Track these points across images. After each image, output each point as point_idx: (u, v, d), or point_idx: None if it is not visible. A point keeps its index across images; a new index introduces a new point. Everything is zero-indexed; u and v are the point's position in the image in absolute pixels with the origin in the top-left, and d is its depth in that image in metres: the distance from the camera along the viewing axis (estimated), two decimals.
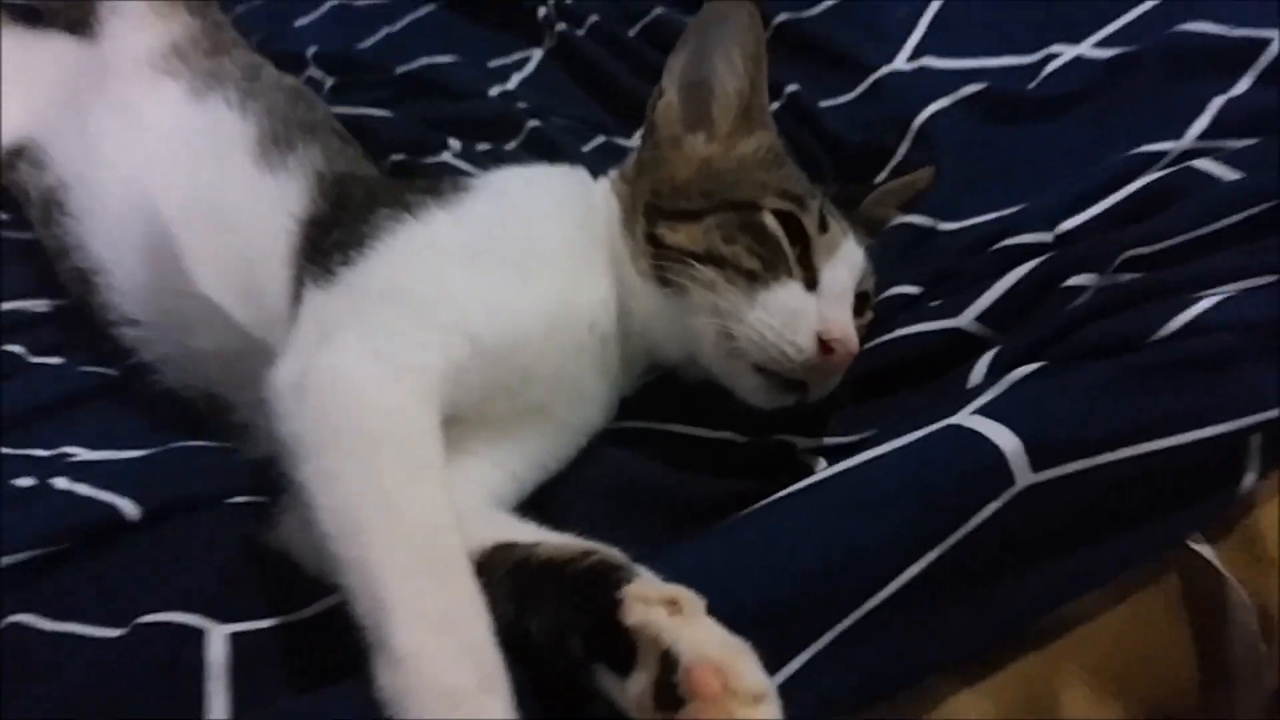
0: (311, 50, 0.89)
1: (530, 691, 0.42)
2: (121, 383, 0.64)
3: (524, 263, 0.55)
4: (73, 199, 0.70)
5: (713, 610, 0.42)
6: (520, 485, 0.55)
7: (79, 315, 0.69)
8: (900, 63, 0.80)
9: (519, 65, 0.87)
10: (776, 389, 0.54)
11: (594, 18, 0.87)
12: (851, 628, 0.46)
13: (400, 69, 0.87)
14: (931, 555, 0.47)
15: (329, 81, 0.84)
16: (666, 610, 0.40)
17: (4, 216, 0.78)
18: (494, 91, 0.84)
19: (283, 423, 0.48)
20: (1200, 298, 0.56)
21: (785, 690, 0.43)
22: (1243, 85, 0.69)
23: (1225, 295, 0.56)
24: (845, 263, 0.56)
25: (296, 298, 0.54)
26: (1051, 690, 0.59)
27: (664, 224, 0.56)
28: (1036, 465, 0.49)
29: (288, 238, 0.58)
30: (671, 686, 0.39)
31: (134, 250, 0.64)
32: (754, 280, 0.54)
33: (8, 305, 0.69)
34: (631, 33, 0.87)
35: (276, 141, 0.65)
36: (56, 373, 0.65)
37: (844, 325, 0.53)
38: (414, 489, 0.45)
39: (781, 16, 0.80)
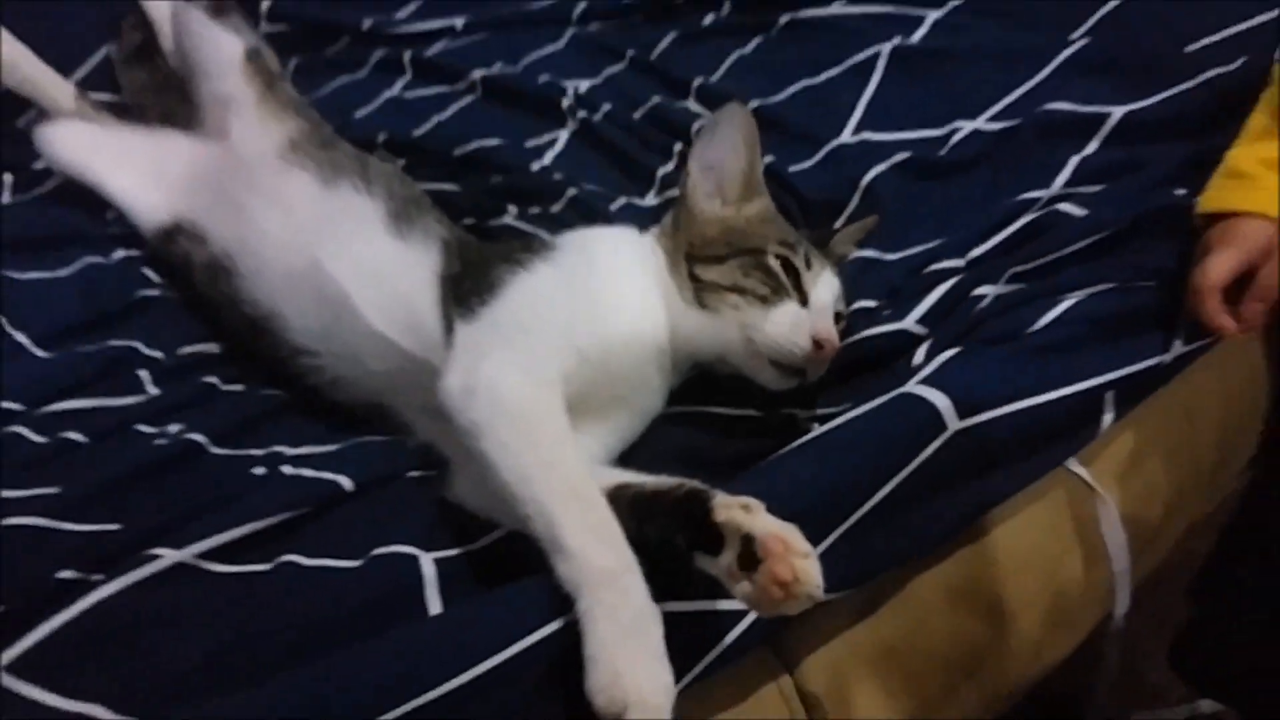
0: (381, 137, 1.08)
1: (648, 576, 0.64)
2: (295, 401, 0.83)
3: (605, 297, 0.77)
4: (241, 264, 0.87)
5: None
6: (609, 453, 0.75)
7: (245, 353, 0.87)
8: (846, 136, 1.02)
9: (550, 144, 1.07)
10: (785, 375, 0.76)
11: (607, 105, 1.08)
12: (849, 530, 0.66)
13: (457, 151, 1.06)
14: (896, 479, 0.68)
15: (400, 163, 1.03)
16: (741, 510, 0.62)
17: (160, 280, 0.96)
18: (535, 166, 1.04)
19: (460, 415, 0.68)
20: (1063, 299, 0.78)
21: None
22: (1092, 147, 0.92)
23: (1079, 298, 0.78)
24: (826, 287, 0.79)
25: (448, 329, 0.75)
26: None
27: (699, 266, 0.78)
28: (961, 415, 0.70)
29: (433, 288, 0.78)
30: (750, 555, 0.58)
31: (308, 300, 0.82)
32: (766, 302, 0.76)
33: (191, 349, 0.89)
34: (636, 116, 1.08)
35: (399, 216, 0.85)
36: (245, 396, 0.84)
37: (829, 330, 0.75)
38: (560, 450, 0.66)
39: (755, 103, 1.03)
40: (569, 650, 0.58)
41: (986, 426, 0.70)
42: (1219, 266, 0.77)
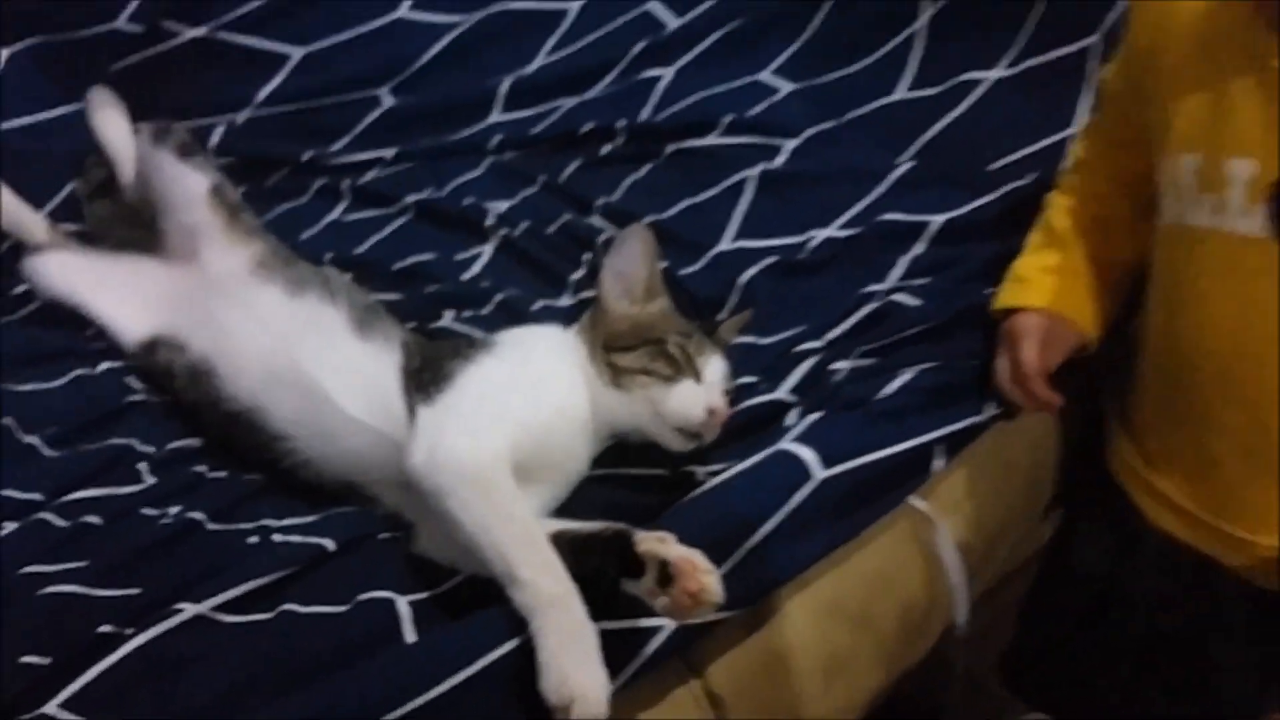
0: (328, 256, 1.21)
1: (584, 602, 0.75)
2: (273, 483, 0.95)
3: (538, 383, 0.93)
4: (220, 368, 0.99)
5: None
6: (546, 508, 0.89)
7: (226, 444, 0.99)
8: (725, 244, 1.19)
9: (477, 257, 1.22)
10: (686, 439, 0.92)
11: (524, 223, 1.24)
12: (741, 559, 0.81)
13: (395, 265, 1.21)
14: (777, 517, 0.84)
15: (348, 277, 1.17)
16: (657, 541, 0.77)
17: (142, 387, 1.08)
18: (465, 276, 1.19)
19: (426, 481, 0.82)
20: (901, 373, 0.97)
21: None
22: (919, 249, 1.12)
23: (914, 373, 0.97)
24: (715, 368, 0.96)
25: (411, 413, 0.89)
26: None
27: (614, 354, 0.94)
28: (825, 466, 0.87)
29: (397, 380, 0.93)
30: (666, 576, 0.73)
31: (287, 394, 0.95)
32: (669, 381, 0.92)
33: (177, 444, 1.00)
34: (550, 231, 1.24)
35: (362, 321, 0.99)
36: (230, 481, 0.95)
37: (719, 402, 0.92)
38: (511, 504, 0.80)
39: (649, 218, 1.20)
40: (524, 663, 0.72)
41: (845, 474, 0.88)
42: (1030, 354, 0.93)
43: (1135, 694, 1.06)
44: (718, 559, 0.78)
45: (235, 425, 0.99)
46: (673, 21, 1.47)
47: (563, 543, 0.79)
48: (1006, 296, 0.99)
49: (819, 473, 0.87)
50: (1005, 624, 1.17)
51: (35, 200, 1.25)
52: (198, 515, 0.89)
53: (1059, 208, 1.03)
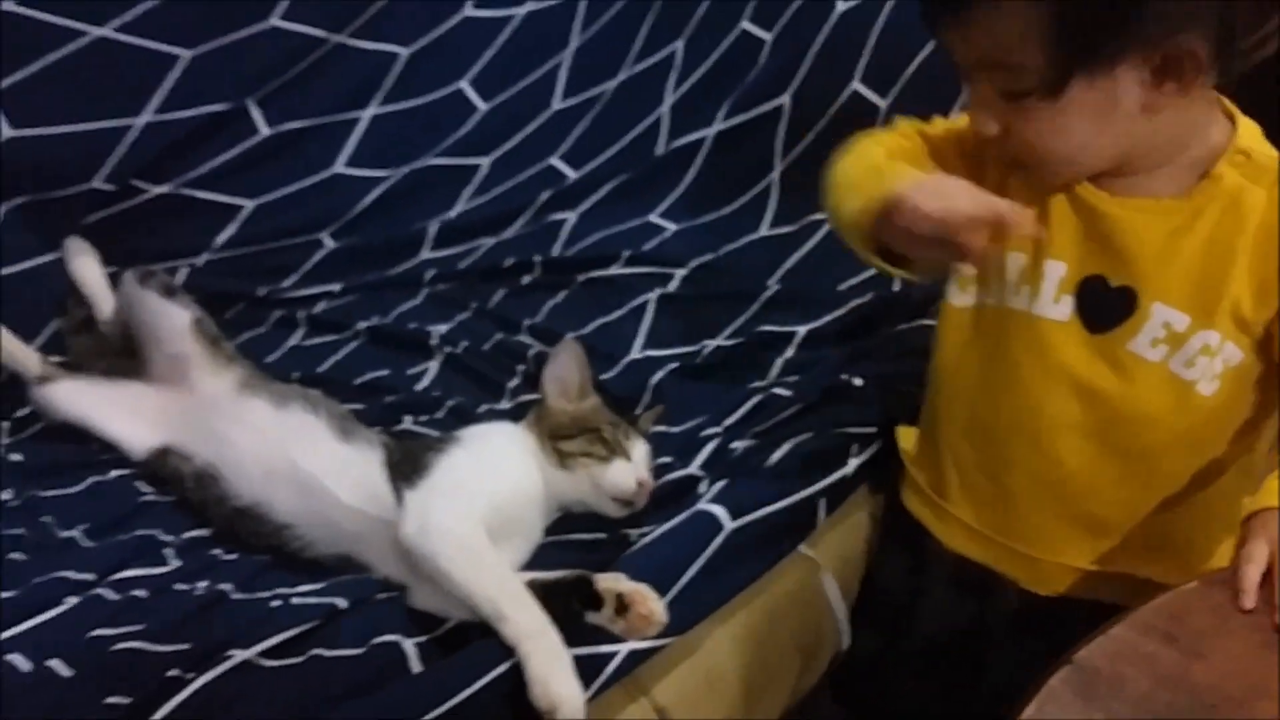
0: (295, 375, 1.37)
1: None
2: (279, 562, 1.10)
3: (499, 468, 1.12)
4: (225, 472, 1.14)
5: None
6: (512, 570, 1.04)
7: (233, 534, 1.14)
8: (635, 353, 1.41)
9: (425, 372, 1.39)
10: (621, 506, 1.11)
11: (464, 342, 1.43)
12: (674, 596, 0.97)
13: (355, 381, 1.38)
14: (700, 562, 1.01)
15: (318, 392, 1.30)
16: (612, 580, 0.97)
17: (151, 490, 1.23)
18: (417, 388, 1.37)
19: (419, 549, 0.98)
20: (784, 445, 1.17)
21: None
22: (790, 353, 1.38)
23: (794, 443, 1.17)
24: (640, 449, 1.16)
25: (398, 497, 1.07)
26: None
27: (559, 441, 1.14)
28: (733, 518, 1.05)
29: (383, 473, 1.10)
30: (622, 605, 0.92)
31: (288, 490, 1.10)
32: (604, 460, 1.12)
33: (192, 534, 1.15)
34: (485, 348, 1.43)
35: (343, 428, 1.17)
36: (240, 562, 1.10)
37: (647, 475, 1.11)
38: (492, 561, 0.99)
39: (571, 334, 1.40)
40: (510, 685, 0.89)
41: (749, 524, 1.07)
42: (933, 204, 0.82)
43: (926, 696, 1.18)
44: (661, 589, 0.97)
45: (242, 518, 1.14)
46: (572, 174, 1.74)
47: (535, 588, 0.96)
48: (874, 190, 0.88)
49: (729, 524, 1.06)
50: None
51: (24, 337, 1.39)
52: (225, 587, 1.05)
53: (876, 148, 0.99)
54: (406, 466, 1.11)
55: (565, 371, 1.20)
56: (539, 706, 0.89)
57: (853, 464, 1.18)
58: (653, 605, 0.95)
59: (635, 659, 0.96)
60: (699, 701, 1.04)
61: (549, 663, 0.91)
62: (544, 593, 0.96)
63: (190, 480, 1.19)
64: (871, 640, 1.21)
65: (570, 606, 0.96)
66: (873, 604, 1.22)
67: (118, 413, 1.28)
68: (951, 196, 0.82)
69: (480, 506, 1.04)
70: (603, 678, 0.94)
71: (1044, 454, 0.99)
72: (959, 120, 1.03)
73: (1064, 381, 0.96)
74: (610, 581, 0.97)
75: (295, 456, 1.14)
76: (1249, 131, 0.91)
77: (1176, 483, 0.98)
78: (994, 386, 1.02)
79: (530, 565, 1.08)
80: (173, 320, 1.30)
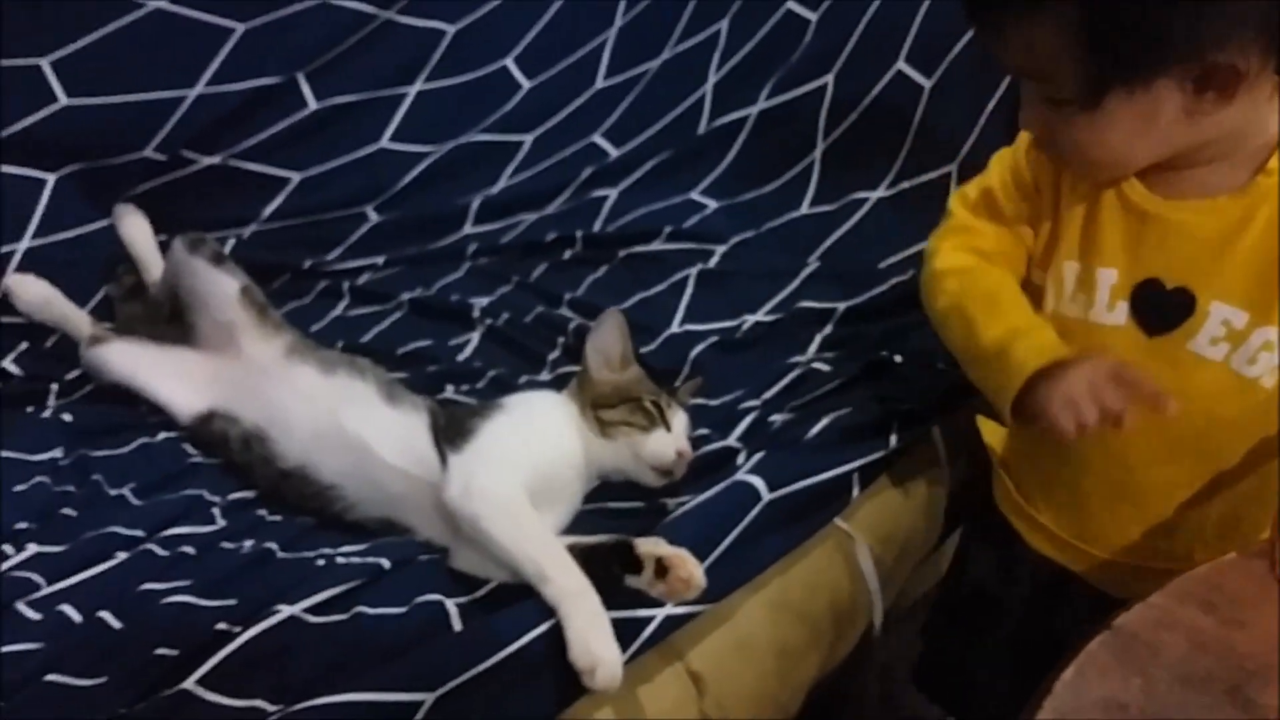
0: (339, 344, 1.39)
1: None
2: (324, 523, 1.13)
3: (542, 434, 1.13)
4: (272, 434, 1.17)
5: None
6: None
7: (279, 496, 1.16)
8: (674, 328, 1.42)
9: (467, 343, 1.41)
10: (660, 475, 1.13)
11: (505, 314, 1.46)
12: (712, 564, 0.98)
13: (399, 350, 1.40)
14: (736, 530, 1.02)
15: (365, 360, 1.30)
16: (652, 544, 0.97)
17: (196, 453, 1.26)
18: (459, 358, 1.39)
19: (462, 511, 1.00)
20: (822, 419, 1.18)
21: None
22: (829, 329, 1.39)
23: (831, 418, 1.18)
24: (679, 420, 1.16)
25: (443, 461, 1.09)
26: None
27: (601, 410, 1.16)
28: (770, 490, 1.06)
29: (429, 437, 1.12)
30: (661, 569, 0.92)
31: (335, 451, 1.12)
32: (645, 430, 1.14)
33: (237, 495, 1.18)
34: (527, 320, 1.45)
35: (389, 392, 1.19)
36: (285, 523, 1.13)
37: (686, 445, 1.13)
38: (534, 523, 1.00)
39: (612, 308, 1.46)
40: (547, 646, 0.90)
41: (786, 496, 1.07)
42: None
43: (1016, 692, 1.24)
44: (699, 559, 0.97)
45: (288, 479, 1.17)
46: (614, 151, 1.76)
47: (574, 552, 0.98)
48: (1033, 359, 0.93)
49: (766, 495, 1.07)
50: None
51: (75, 302, 1.43)
52: (271, 546, 1.08)
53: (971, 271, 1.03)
54: (452, 431, 1.13)
55: (608, 342, 1.21)
56: (578, 666, 0.90)
57: (893, 440, 1.18)
58: (692, 569, 0.95)
59: (671, 624, 0.97)
60: (732, 668, 1.04)
61: (589, 624, 0.92)
62: (584, 557, 0.97)
63: (237, 443, 1.22)
64: (956, 633, 1.24)
65: (610, 570, 0.97)
66: (959, 597, 1.24)
67: (166, 376, 1.32)
68: (1082, 406, 0.87)
69: (523, 471, 1.06)
70: (639, 642, 0.95)
71: (1114, 458, 0.99)
72: (1005, 160, 1.05)
73: None
74: (650, 545, 0.97)
75: (342, 419, 1.16)
76: None
77: (1240, 475, 0.96)
78: None
79: (569, 532, 1.09)
80: (221, 287, 1.33)
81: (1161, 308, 0.94)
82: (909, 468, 1.23)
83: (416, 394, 1.25)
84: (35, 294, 1.42)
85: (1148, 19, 0.79)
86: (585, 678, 0.89)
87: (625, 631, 0.94)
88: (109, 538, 1.09)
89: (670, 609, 0.97)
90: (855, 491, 1.15)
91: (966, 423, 1.19)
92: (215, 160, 1.56)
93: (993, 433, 1.16)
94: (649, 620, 0.96)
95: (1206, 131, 0.86)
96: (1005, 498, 1.13)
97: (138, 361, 1.33)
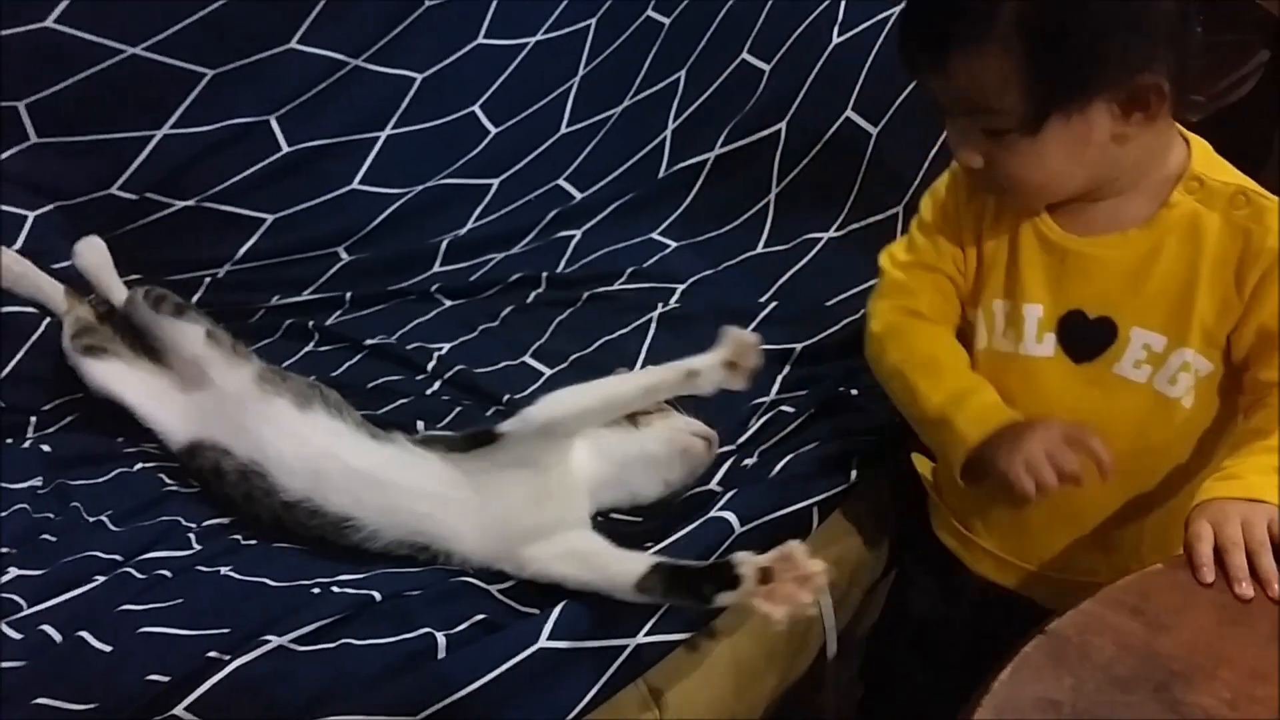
0: (311, 377, 1.39)
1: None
2: (314, 551, 1.16)
3: None
4: (270, 468, 1.17)
5: None
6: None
7: (279, 527, 1.19)
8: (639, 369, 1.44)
9: (432, 384, 1.49)
10: (688, 462, 1.20)
11: (460, 366, 1.49)
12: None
13: (369, 385, 1.45)
14: (714, 558, 1.06)
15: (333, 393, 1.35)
16: (749, 557, 0.94)
17: (173, 482, 1.28)
18: (428, 393, 1.46)
19: (521, 428, 1.07)
20: (786, 457, 1.25)
21: None
22: (786, 370, 1.46)
23: (793, 456, 1.24)
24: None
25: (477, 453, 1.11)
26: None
27: None
28: (742, 523, 1.11)
29: (444, 459, 1.13)
30: (765, 577, 0.90)
31: (344, 487, 1.14)
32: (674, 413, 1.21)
33: (212, 522, 1.20)
34: (490, 370, 1.51)
35: (368, 428, 1.22)
36: (260, 549, 1.16)
37: (713, 433, 1.20)
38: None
39: (575, 354, 1.51)
40: (530, 669, 0.95)
41: (754, 528, 1.12)
42: None
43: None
44: None
45: (292, 511, 1.18)
46: (578, 194, 1.82)
47: (661, 570, 1.00)
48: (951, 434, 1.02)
49: (738, 528, 1.12)
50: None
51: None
52: (266, 580, 1.11)
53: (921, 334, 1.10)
54: (471, 440, 1.16)
55: None
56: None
57: (853, 475, 1.23)
58: (806, 563, 0.91)
59: (649, 653, 1.01)
60: (690, 685, 1.07)
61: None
62: (669, 576, 1.00)
63: (233, 475, 1.23)
64: (902, 661, 1.29)
65: (701, 591, 0.98)
66: (901, 628, 1.29)
67: (156, 400, 1.34)
68: (1043, 471, 0.93)
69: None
70: (609, 672, 0.98)
71: None
72: (933, 197, 1.13)
73: (1059, 411, 1.00)
74: (749, 556, 0.96)
75: (344, 457, 1.18)
76: (1201, 153, 0.98)
77: (1168, 493, 1.04)
78: None
79: None
80: (186, 335, 1.35)
81: (1086, 337, 1.01)
82: (859, 499, 1.27)
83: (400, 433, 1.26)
84: (11, 265, 1.43)
85: (1086, 43, 0.86)
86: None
87: (599, 660, 0.98)
88: (88, 561, 1.13)
89: (641, 638, 1.00)
90: (815, 523, 1.20)
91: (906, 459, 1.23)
92: (189, 203, 1.60)
93: (926, 465, 1.20)
94: (620, 650, 0.99)
95: (1128, 155, 0.94)
96: (943, 524, 1.17)
97: (130, 381, 1.35)
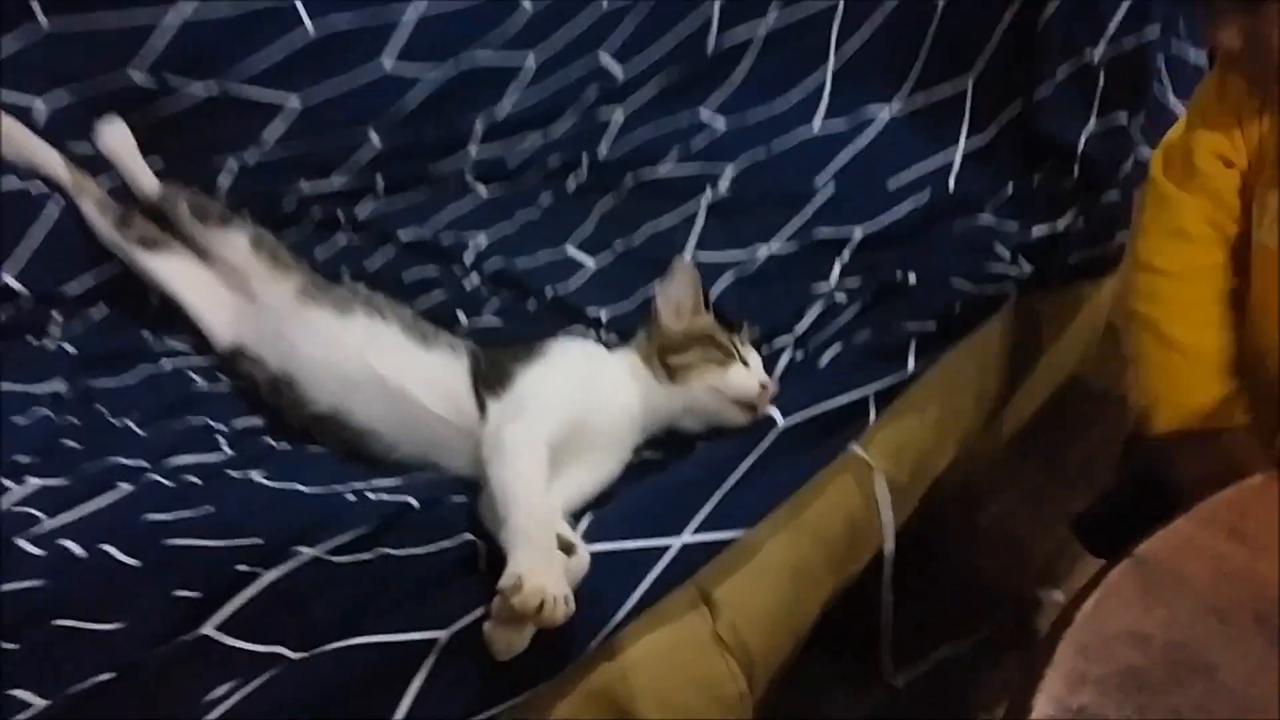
0: (345, 272, 1.40)
1: None
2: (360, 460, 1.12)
3: (583, 383, 1.10)
4: (300, 379, 1.15)
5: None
6: (598, 483, 1.06)
7: (308, 437, 1.16)
8: (687, 258, 1.36)
9: (468, 276, 1.43)
10: (745, 411, 1.10)
11: (501, 259, 1.45)
12: (735, 486, 1.01)
13: (406, 279, 1.40)
14: (755, 454, 1.04)
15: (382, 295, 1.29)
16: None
17: (203, 381, 1.26)
18: (467, 287, 1.41)
19: (487, 455, 0.98)
20: (837, 344, 1.22)
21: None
22: (846, 256, 1.39)
23: (848, 343, 1.21)
24: (753, 355, 1.14)
25: (481, 407, 1.08)
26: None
27: (671, 356, 1.12)
28: (785, 415, 1.07)
29: (468, 382, 1.10)
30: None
31: (372, 397, 1.11)
32: (722, 365, 1.10)
33: (243, 423, 1.18)
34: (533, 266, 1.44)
35: (417, 331, 1.17)
36: (295, 453, 1.14)
37: (767, 378, 1.11)
38: (535, 478, 0.96)
39: (619, 243, 1.44)
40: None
41: (800, 424, 1.09)
42: None
43: None
44: (714, 487, 1.01)
45: (321, 423, 1.15)
46: (620, 72, 1.70)
47: None
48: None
49: (781, 422, 1.09)
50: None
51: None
52: (299, 485, 1.06)
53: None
54: (492, 377, 1.11)
55: (679, 293, 1.19)
56: (501, 585, 0.83)
57: (911, 364, 1.18)
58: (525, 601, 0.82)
59: (694, 554, 0.97)
60: (747, 591, 1.04)
61: (533, 560, 0.86)
62: None
63: (265, 386, 1.21)
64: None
65: None
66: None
67: (206, 301, 1.31)
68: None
69: (553, 422, 1.04)
70: (655, 570, 0.94)
71: None
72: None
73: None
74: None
75: (377, 366, 1.14)
76: None
77: None
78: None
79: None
80: (233, 243, 1.34)
81: None
82: (925, 387, 1.21)
83: (453, 335, 1.22)
84: (11, 131, 1.38)
85: None
86: (509, 596, 0.81)
87: (641, 561, 0.94)
88: (111, 469, 1.08)
89: (687, 538, 0.96)
90: (873, 416, 1.14)
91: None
92: (213, 87, 1.51)
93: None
94: (665, 550, 0.95)
95: None
96: None
97: (186, 279, 1.33)
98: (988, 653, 1.51)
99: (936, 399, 1.25)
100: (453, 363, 1.15)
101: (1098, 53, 1.49)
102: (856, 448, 1.14)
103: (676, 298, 1.18)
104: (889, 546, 1.19)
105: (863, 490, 1.16)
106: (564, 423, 1.04)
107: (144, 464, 1.09)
